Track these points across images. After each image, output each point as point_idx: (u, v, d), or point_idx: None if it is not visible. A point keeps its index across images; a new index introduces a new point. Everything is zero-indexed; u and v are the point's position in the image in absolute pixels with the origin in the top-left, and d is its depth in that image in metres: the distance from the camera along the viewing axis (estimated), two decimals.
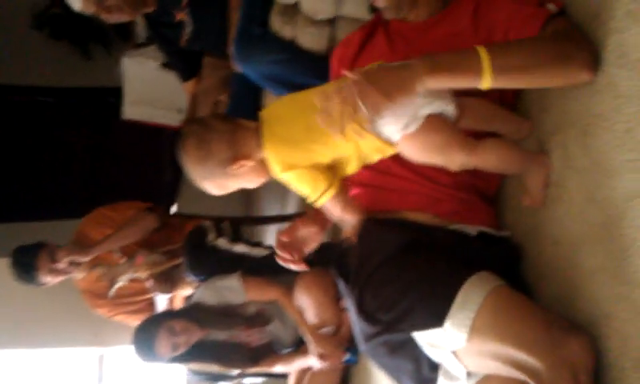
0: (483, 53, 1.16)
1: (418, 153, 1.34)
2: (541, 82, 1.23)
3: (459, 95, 1.33)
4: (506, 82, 1.19)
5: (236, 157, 1.36)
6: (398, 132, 1.30)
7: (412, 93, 1.18)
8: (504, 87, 1.21)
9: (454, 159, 1.34)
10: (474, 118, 1.37)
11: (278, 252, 1.57)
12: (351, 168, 1.41)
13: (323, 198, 1.39)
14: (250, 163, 1.37)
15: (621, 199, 1.06)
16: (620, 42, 1.08)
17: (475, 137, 1.36)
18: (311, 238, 1.61)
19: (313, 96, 1.32)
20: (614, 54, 1.10)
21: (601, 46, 1.15)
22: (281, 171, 1.37)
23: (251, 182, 1.44)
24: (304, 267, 1.57)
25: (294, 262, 1.56)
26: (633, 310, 1.03)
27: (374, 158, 1.39)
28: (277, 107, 1.45)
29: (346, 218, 1.46)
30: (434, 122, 1.29)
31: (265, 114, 1.41)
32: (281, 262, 1.58)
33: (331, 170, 1.38)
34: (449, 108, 1.31)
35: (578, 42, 1.19)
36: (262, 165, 1.39)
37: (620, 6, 1.09)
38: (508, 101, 1.48)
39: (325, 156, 1.36)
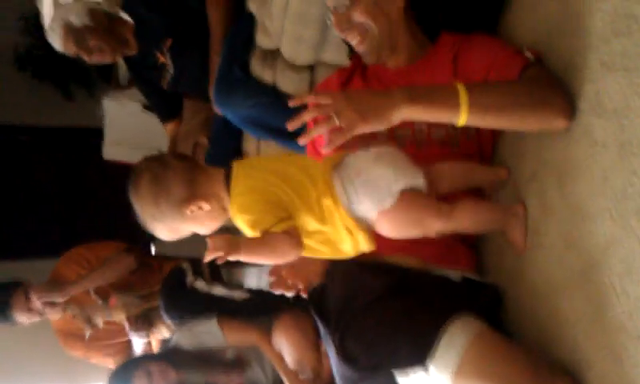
0: (462, 89, 1.17)
1: (395, 229, 1.33)
2: (516, 124, 1.25)
3: (433, 162, 1.37)
4: (482, 120, 1.21)
5: (193, 198, 1.30)
6: (373, 209, 1.30)
7: (388, 119, 1.18)
8: (478, 125, 1.23)
9: (431, 229, 1.34)
10: (451, 180, 1.39)
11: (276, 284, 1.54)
12: (316, 249, 1.36)
13: (280, 225, 1.27)
14: (207, 206, 1.31)
15: (599, 246, 1.07)
16: (595, 91, 1.10)
17: (454, 196, 1.37)
18: (312, 265, 1.54)
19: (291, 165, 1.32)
20: (589, 103, 1.12)
21: (576, 95, 1.17)
22: (239, 196, 1.30)
23: (205, 227, 1.36)
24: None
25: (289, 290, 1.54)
26: (612, 358, 1.02)
27: (344, 246, 1.35)
28: (252, 159, 1.42)
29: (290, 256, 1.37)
30: (408, 198, 1.29)
31: (238, 162, 1.37)
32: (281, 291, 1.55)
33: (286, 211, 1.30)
34: (419, 181, 1.32)
35: (554, 88, 1.21)
36: (220, 208, 1.33)
37: (594, 56, 1.11)
38: (487, 151, 1.50)
39: (288, 207, 1.30)
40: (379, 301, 1.34)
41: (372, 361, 1.28)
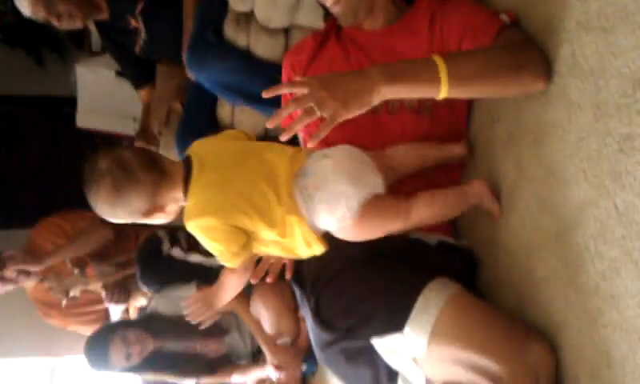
0: (440, 62, 1.14)
1: (356, 237, 1.34)
2: (495, 91, 1.23)
3: (387, 147, 1.37)
4: (462, 90, 1.19)
5: (152, 210, 1.31)
6: (333, 225, 1.30)
7: (368, 102, 1.14)
8: (459, 96, 1.21)
9: (392, 230, 1.35)
10: (408, 163, 1.40)
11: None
12: (268, 250, 1.39)
13: (237, 259, 1.35)
14: (161, 217, 1.34)
15: (573, 208, 1.07)
16: (571, 52, 1.09)
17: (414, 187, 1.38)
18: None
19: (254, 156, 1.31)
20: (565, 64, 1.11)
21: (553, 56, 1.15)
22: (195, 218, 1.29)
23: (160, 222, 1.38)
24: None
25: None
26: (586, 319, 1.03)
27: (299, 252, 1.38)
28: (211, 157, 1.35)
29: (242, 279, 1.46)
30: (366, 210, 1.29)
31: (196, 155, 1.34)
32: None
33: (246, 234, 1.33)
34: (378, 188, 1.31)
35: (531, 51, 1.20)
36: (176, 209, 1.35)
37: (570, 16, 1.09)
38: (462, 116, 1.49)
39: (249, 227, 1.31)
40: (355, 265, 1.35)
41: (347, 324, 1.28)
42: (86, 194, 1.29)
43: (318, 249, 1.36)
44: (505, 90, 1.22)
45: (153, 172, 1.28)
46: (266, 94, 1.17)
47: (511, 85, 1.20)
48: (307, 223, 1.31)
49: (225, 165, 1.34)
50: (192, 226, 1.29)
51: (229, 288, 1.50)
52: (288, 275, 1.49)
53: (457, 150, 1.44)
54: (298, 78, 1.29)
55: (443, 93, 1.15)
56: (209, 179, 1.30)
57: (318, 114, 1.11)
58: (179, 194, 1.32)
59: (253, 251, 1.38)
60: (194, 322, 1.65)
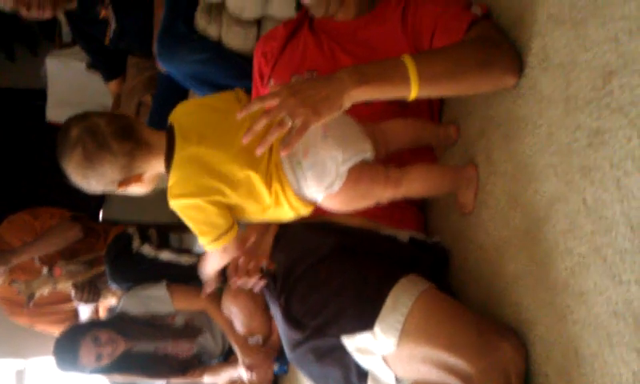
0: (409, 62, 1.13)
1: (344, 205, 1.30)
2: (467, 89, 1.22)
3: (382, 121, 1.33)
4: (433, 90, 1.17)
5: (127, 181, 1.26)
6: (321, 192, 1.26)
7: (339, 106, 1.13)
8: (430, 96, 1.19)
9: (381, 198, 1.31)
10: (401, 140, 1.37)
11: (232, 275, 1.46)
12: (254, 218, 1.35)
13: (225, 238, 1.30)
14: (137, 187, 1.28)
15: (543, 203, 1.06)
16: (542, 45, 1.08)
17: (405, 159, 1.35)
18: (265, 241, 1.49)
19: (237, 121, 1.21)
20: (536, 58, 1.10)
21: (524, 50, 1.15)
22: (179, 197, 1.24)
23: (136, 193, 1.33)
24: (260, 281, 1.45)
25: (250, 276, 1.45)
26: (555, 316, 1.02)
27: (286, 217, 1.34)
28: (194, 125, 1.28)
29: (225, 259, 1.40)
30: (354, 174, 1.25)
31: (179, 126, 1.26)
32: (238, 283, 1.46)
33: (231, 210, 1.29)
34: (367, 154, 1.28)
35: (502, 46, 1.19)
36: (154, 178, 1.29)
37: (542, 9, 1.09)
38: (436, 108, 1.48)
39: (235, 201, 1.27)
40: (325, 262, 1.32)
41: (317, 322, 1.26)
42: (58, 163, 1.23)
43: (305, 211, 1.32)
44: (476, 87, 1.21)
45: (128, 141, 1.22)
46: (240, 115, 1.14)
47: (482, 82, 1.19)
48: (295, 192, 1.27)
49: (209, 137, 1.25)
50: (175, 205, 1.24)
51: (211, 261, 1.42)
52: (257, 287, 1.45)
53: (452, 130, 1.42)
54: (269, 90, 1.26)
55: (413, 94, 1.14)
56: (192, 154, 1.23)
57: (290, 123, 1.10)
58: (158, 165, 1.26)
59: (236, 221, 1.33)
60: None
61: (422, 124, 1.43)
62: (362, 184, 1.27)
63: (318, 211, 1.37)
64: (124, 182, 1.25)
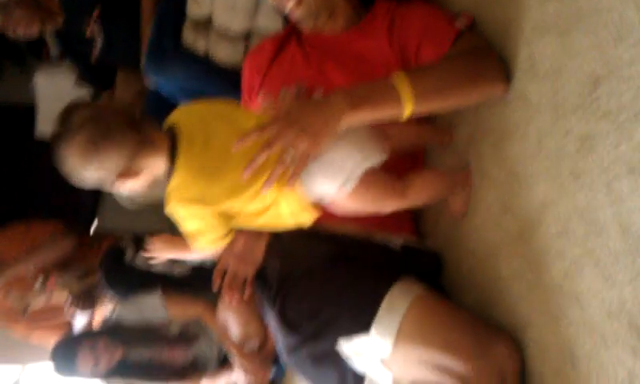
0: (400, 83, 1.14)
1: (351, 207, 1.30)
2: (458, 102, 1.23)
3: (383, 126, 1.32)
4: (425, 107, 1.18)
5: (126, 173, 1.20)
6: (332, 190, 1.24)
7: (335, 131, 1.14)
8: (423, 112, 1.19)
9: (387, 208, 1.33)
10: (401, 143, 1.38)
11: (217, 279, 1.46)
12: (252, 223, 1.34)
13: (219, 243, 1.31)
14: (134, 183, 1.23)
15: (535, 208, 1.08)
16: (529, 54, 1.10)
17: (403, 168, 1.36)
18: (257, 247, 1.46)
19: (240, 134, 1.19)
20: (523, 67, 1.12)
21: (511, 59, 1.17)
22: (181, 201, 1.22)
23: (125, 191, 1.28)
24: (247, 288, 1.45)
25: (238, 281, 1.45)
26: (550, 318, 1.04)
27: (287, 222, 1.34)
28: (199, 128, 1.24)
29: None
30: (368, 178, 1.25)
31: (183, 129, 1.22)
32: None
33: (230, 217, 1.30)
34: (382, 157, 1.28)
35: (489, 57, 1.21)
36: (149, 179, 1.24)
37: (528, 19, 1.11)
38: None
39: (237, 208, 1.26)
40: (320, 268, 1.34)
41: (313, 326, 1.27)
42: (53, 149, 1.16)
43: (306, 218, 1.33)
44: (466, 99, 1.23)
45: (137, 132, 1.18)
46: (235, 148, 1.15)
47: (472, 94, 1.21)
48: (301, 188, 1.25)
49: (215, 147, 1.22)
50: (175, 209, 1.22)
51: (191, 254, 1.40)
52: (247, 293, 1.45)
53: (447, 137, 1.44)
54: (259, 103, 1.26)
55: (407, 113, 1.15)
56: (199, 163, 1.20)
57: (290, 157, 1.12)
58: (159, 165, 1.22)
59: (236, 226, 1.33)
60: (148, 255, 1.49)
61: (421, 128, 1.44)
62: (373, 189, 1.27)
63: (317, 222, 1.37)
64: (123, 174, 1.19)
